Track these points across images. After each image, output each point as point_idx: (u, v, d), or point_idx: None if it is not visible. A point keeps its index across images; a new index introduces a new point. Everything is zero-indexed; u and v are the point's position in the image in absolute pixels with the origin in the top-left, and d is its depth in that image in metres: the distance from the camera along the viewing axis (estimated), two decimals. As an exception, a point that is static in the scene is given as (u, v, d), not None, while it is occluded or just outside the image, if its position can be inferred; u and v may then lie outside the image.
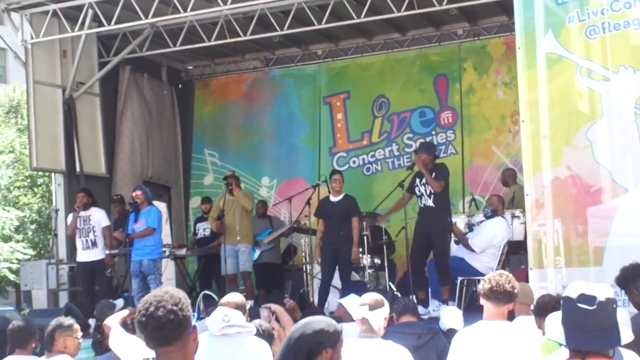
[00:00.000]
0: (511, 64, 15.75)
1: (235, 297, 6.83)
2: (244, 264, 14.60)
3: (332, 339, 4.14)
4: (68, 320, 7.53)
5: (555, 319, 4.27)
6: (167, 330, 3.73)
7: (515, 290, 6.12)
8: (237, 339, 6.02)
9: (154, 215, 13.80)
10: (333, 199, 13.58)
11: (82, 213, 14.42)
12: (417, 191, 12.86)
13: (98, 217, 14.48)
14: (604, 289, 4.13)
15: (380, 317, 6.37)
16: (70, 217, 14.74)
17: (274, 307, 8.46)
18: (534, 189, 10.27)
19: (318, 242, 13.70)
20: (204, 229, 15.98)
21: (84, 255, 14.46)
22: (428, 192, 12.68)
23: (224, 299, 6.81)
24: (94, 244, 14.35)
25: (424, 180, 12.72)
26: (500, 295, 6.04)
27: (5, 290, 33.91)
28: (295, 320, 5.95)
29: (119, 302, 12.11)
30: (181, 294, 3.83)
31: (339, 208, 13.39)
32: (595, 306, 4.03)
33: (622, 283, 6.65)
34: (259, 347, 6.14)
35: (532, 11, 10.35)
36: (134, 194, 14.01)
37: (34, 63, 15.62)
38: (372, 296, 6.56)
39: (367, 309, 6.36)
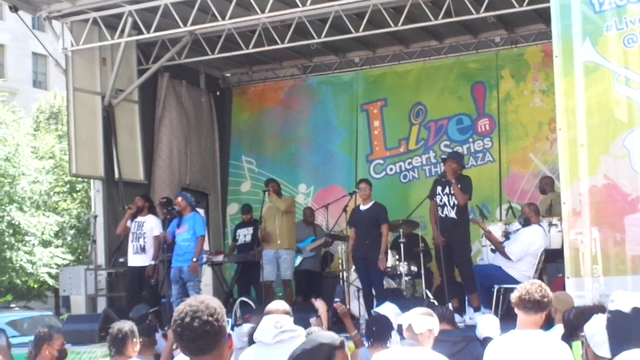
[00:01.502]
0: (549, 71, 15.69)
1: (281, 304, 6.84)
2: (285, 271, 14.68)
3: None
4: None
5: (597, 328, 4.25)
6: (202, 341, 3.73)
7: (546, 299, 6.10)
8: (291, 344, 6.05)
9: (199, 222, 13.92)
10: (362, 207, 13.66)
11: (139, 218, 14.54)
12: (439, 200, 12.86)
13: (151, 225, 14.53)
14: None
15: (424, 324, 6.39)
16: (125, 214, 14.83)
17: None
18: (571, 197, 10.23)
19: (350, 250, 13.82)
20: (244, 235, 16.02)
21: (134, 260, 14.55)
22: (452, 203, 12.73)
23: (271, 307, 6.81)
24: (143, 249, 14.43)
25: (446, 190, 12.75)
26: (529, 304, 6.04)
27: (45, 295, 34.22)
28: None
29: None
30: (216, 304, 3.82)
31: (367, 216, 13.47)
32: None
33: None
34: None
35: (570, 19, 10.32)
36: (176, 201, 14.08)
37: (74, 70, 15.78)
38: (421, 309, 6.63)
39: (412, 315, 6.41)
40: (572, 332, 6.50)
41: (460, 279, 13.09)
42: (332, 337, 4.24)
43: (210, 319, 3.75)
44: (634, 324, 4.00)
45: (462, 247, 12.79)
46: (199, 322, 3.74)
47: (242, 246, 16.14)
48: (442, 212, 12.82)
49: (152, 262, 14.47)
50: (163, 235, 14.21)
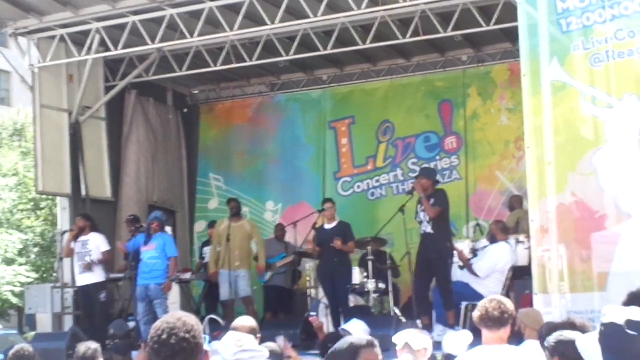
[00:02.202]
0: (515, 89, 15.83)
1: (247, 320, 6.83)
2: (244, 289, 14.66)
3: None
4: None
5: (589, 342, 4.29)
6: (179, 358, 3.71)
7: (506, 315, 6.11)
8: None
9: (170, 243, 13.95)
10: (327, 226, 13.73)
11: (81, 238, 14.43)
12: (417, 218, 12.95)
13: (97, 242, 14.44)
14: None
15: (420, 341, 6.44)
16: (65, 237, 14.79)
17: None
18: (539, 214, 10.30)
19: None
20: (203, 255, 16.02)
21: (81, 279, 14.47)
22: (427, 218, 12.76)
23: (236, 323, 6.79)
24: (89, 268, 14.33)
25: (423, 207, 12.81)
26: (489, 322, 6.06)
27: (7, 313, 33.88)
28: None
29: (131, 323, 12.20)
30: (193, 320, 3.82)
31: (333, 235, 13.50)
32: None
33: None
34: None
35: (537, 39, 10.42)
36: (152, 225, 14.00)
37: (41, 87, 15.71)
38: (414, 329, 6.68)
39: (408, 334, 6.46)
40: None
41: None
42: (360, 337, 4.38)
43: (187, 335, 3.74)
44: (627, 334, 4.05)
45: (441, 263, 12.75)
46: (175, 338, 3.72)
47: (208, 264, 16.08)
48: (421, 229, 12.91)
49: (112, 275, 14.54)
50: (121, 249, 14.25)
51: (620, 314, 4.14)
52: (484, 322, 6.07)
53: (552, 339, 4.95)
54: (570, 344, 4.79)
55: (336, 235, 13.56)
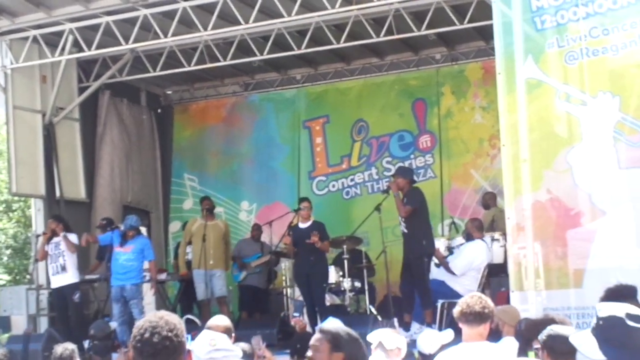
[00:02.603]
0: (489, 88, 15.95)
1: (221, 320, 6.84)
2: (220, 288, 14.63)
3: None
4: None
5: (584, 338, 4.30)
6: (162, 357, 3.74)
7: (487, 310, 6.17)
8: None
9: (148, 246, 13.93)
10: (302, 225, 13.73)
11: (54, 239, 14.32)
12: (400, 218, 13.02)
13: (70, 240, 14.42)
14: (637, 309, 4.20)
15: (393, 341, 6.46)
16: (39, 240, 14.73)
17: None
18: (515, 212, 10.33)
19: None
20: (186, 254, 15.95)
21: (55, 281, 14.38)
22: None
23: (211, 323, 6.80)
24: (64, 268, 14.24)
25: None
26: (470, 316, 6.10)
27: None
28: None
29: (113, 324, 12.14)
30: (176, 320, 3.83)
31: (308, 234, 13.49)
32: None
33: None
34: None
35: (512, 37, 10.45)
36: (129, 233, 13.92)
37: (14, 88, 15.60)
38: (389, 329, 6.69)
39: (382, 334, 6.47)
40: (527, 344, 6.58)
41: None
42: None
43: (169, 334, 3.76)
44: (628, 326, 4.08)
45: (418, 262, 12.76)
46: (158, 337, 3.74)
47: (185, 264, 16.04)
48: (400, 228, 12.96)
49: (83, 277, 14.56)
50: (92, 239, 14.24)
51: (619, 308, 4.17)
52: (465, 317, 6.10)
53: (544, 333, 4.99)
54: (559, 338, 4.83)
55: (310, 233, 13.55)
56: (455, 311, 6.23)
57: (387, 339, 6.51)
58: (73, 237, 14.38)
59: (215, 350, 6.03)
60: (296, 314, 12.18)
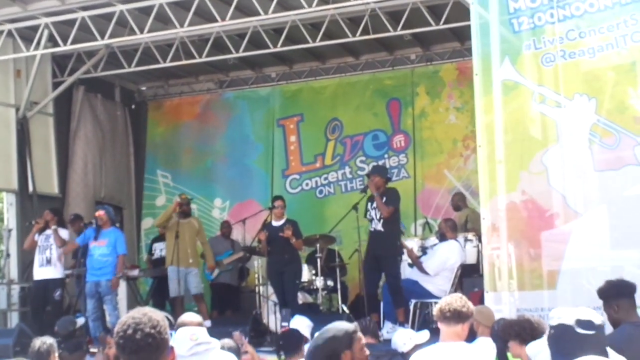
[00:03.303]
0: (463, 89, 16.05)
1: (193, 316, 6.82)
2: (197, 286, 14.58)
3: (344, 342, 4.44)
4: None
5: (539, 347, 4.32)
6: (145, 353, 3.73)
7: (466, 309, 6.18)
8: (206, 356, 6.06)
9: (121, 239, 13.81)
10: (275, 223, 13.72)
11: (47, 231, 14.30)
12: (368, 215, 12.99)
13: (60, 235, 14.37)
14: (593, 313, 4.21)
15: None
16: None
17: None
18: (490, 213, 10.37)
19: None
20: (160, 250, 15.93)
21: (39, 273, 14.31)
22: (378, 216, 12.80)
23: (184, 319, 6.77)
24: (49, 262, 14.21)
25: (374, 205, 12.84)
26: (449, 313, 6.11)
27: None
28: None
29: (80, 320, 12.06)
30: (159, 316, 3.82)
31: (282, 232, 13.49)
32: (594, 330, 4.09)
33: (604, 296, 6.70)
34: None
35: (489, 39, 10.50)
36: (97, 213, 13.88)
37: (-12, 82, 15.55)
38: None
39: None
40: (504, 345, 6.63)
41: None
42: (346, 325, 4.43)
43: (152, 331, 3.75)
44: (578, 334, 4.08)
45: (391, 260, 12.81)
46: (141, 334, 3.73)
47: (157, 260, 16.03)
48: (371, 226, 12.93)
49: (66, 272, 14.42)
50: (75, 247, 14.15)
51: (569, 315, 4.17)
52: (444, 314, 6.12)
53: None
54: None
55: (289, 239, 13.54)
56: (436, 309, 6.25)
57: None
58: (64, 233, 14.35)
59: (197, 344, 6.07)
60: (284, 324, 12.12)
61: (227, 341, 7.17)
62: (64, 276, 14.46)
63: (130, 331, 3.74)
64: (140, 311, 3.84)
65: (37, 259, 14.35)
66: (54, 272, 14.23)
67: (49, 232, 14.27)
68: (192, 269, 14.50)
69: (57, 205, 15.89)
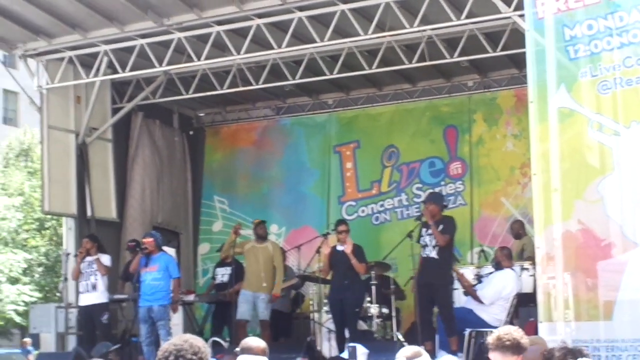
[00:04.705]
0: (521, 116, 15.91)
1: (259, 342, 6.73)
2: (263, 312, 14.57)
3: None
4: None
5: None
6: None
7: (523, 341, 6.12)
8: None
9: (173, 264, 13.85)
10: (340, 248, 13.68)
11: (88, 258, 14.49)
12: (421, 241, 12.89)
13: (102, 262, 14.53)
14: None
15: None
16: (70, 258, 14.90)
17: None
18: (545, 242, 10.27)
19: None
20: (222, 275, 15.94)
21: (84, 299, 14.54)
22: (433, 243, 12.69)
23: (250, 343, 6.66)
24: (94, 287, 14.38)
25: (429, 231, 12.75)
26: (509, 342, 6.05)
27: (10, 332, 33.89)
28: None
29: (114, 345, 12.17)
30: (200, 343, 3.85)
31: (345, 257, 13.45)
32: None
33: None
34: None
35: (545, 65, 10.43)
36: (144, 240, 13.97)
37: (49, 108, 15.79)
38: (412, 349, 6.56)
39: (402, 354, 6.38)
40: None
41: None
42: None
43: (194, 357, 3.78)
44: None
45: (444, 288, 12.69)
46: None
47: (219, 285, 16.02)
48: (424, 253, 12.82)
49: (112, 297, 14.68)
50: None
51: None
52: (502, 343, 6.04)
53: None
54: None
55: (347, 257, 13.49)
56: (492, 337, 6.16)
57: (409, 352, 6.42)
58: (106, 259, 14.52)
59: None
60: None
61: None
62: (109, 300, 14.56)
63: (171, 358, 3.77)
64: (182, 338, 3.87)
65: (82, 285, 14.55)
66: (98, 297, 14.43)
67: (90, 258, 14.42)
68: (262, 294, 14.50)
69: (113, 230, 16.04)
